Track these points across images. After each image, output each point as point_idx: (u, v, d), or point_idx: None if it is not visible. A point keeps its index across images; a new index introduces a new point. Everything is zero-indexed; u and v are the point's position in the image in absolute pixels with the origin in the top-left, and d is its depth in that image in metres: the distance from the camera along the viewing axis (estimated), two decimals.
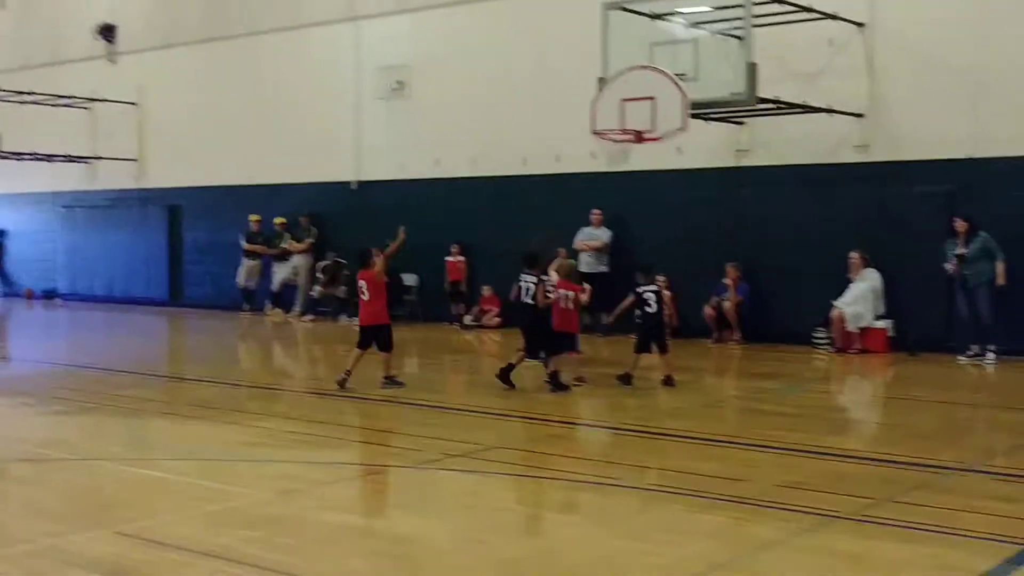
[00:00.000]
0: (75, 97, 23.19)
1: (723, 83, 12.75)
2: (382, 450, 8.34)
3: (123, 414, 10.03)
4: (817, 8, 13.77)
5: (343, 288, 19.43)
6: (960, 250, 13.33)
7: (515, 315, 11.23)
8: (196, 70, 22.24)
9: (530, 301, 11.15)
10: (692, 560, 5.55)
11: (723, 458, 8.06)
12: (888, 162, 14.59)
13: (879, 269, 14.47)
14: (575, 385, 11.23)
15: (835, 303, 14.48)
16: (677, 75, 12.51)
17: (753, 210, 15.52)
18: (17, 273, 26.39)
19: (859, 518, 6.31)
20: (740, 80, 12.51)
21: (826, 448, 8.34)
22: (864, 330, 14.32)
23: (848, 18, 14.40)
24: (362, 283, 11.30)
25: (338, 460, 8.19)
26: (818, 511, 6.42)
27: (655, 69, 12.63)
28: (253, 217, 20.89)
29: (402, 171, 19.17)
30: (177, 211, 22.88)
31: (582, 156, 16.50)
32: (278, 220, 20.61)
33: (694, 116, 13.00)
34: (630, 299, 11.67)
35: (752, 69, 12.42)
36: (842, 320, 14.36)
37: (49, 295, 25.17)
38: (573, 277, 11.72)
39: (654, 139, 12.72)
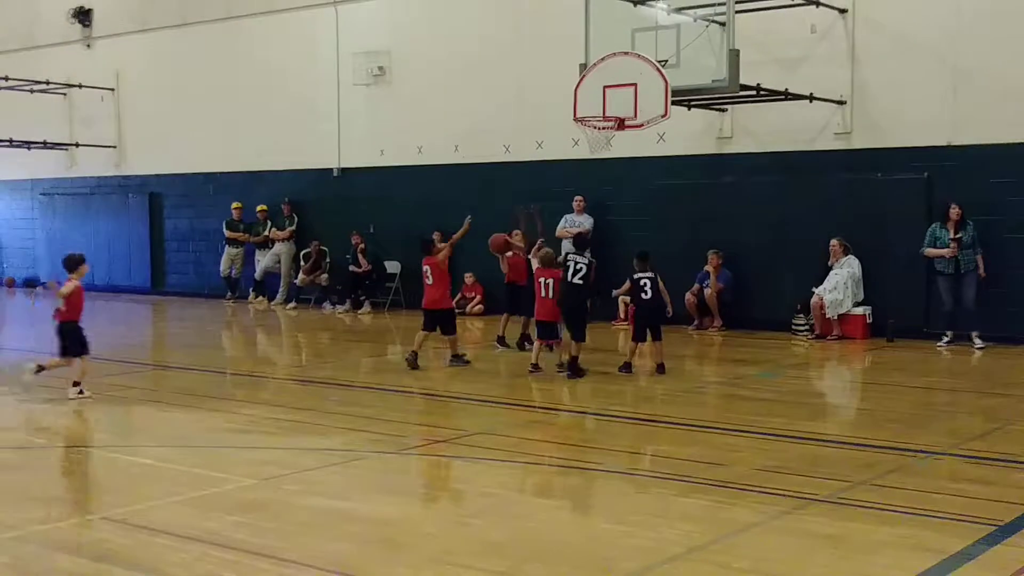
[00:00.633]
0: (52, 83, 22.97)
1: (705, 70, 12.77)
2: (367, 436, 8.39)
3: (108, 402, 10.05)
4: None
5: (325, 276, 19.45)
6: (957, 235, 13.42)
7: (562, 297, 11.29)
8: (173, 54, 22.02)
9: (579, 282, 11.23)
10: (672, 543, 5.65)
11: (704, 443, 8.17)
12: (868, 149, 14.70)
13: (858, 256, 14.60)
14: (558, 372, 11.32)
15: (815, 290, 14.61)
16: (659, 61, 12.54)
17: (734, 197, 15.60)
18: None
19: (836, 501, 6.43)
20: (722, 67, 12.52)
21: (805, 432, 8.47)
22: (843, 316, 14.46)
23: (830, 4, 14.47)
24: (426, 268, 11.97)
25: (323, 446, 8.24)
26: (796, 494, 6.54)
27: (637, 55, 12.65)
28: (235, 204, 20.86)
29: (383, 158, 19.20)
30: (158, 198, 22.78)
31: (564, 143, 16.56)
32: (260, 208, 20.59)
33: (676, 103, 13.03)
34: (626, 286, 11.73)
35: (734, 56, 12.45)
36: (821, 307, 14.50)
37: (31, 284, 25.00)
38: (553, 265, 11.76)
39: (636, 126, 12.75)
